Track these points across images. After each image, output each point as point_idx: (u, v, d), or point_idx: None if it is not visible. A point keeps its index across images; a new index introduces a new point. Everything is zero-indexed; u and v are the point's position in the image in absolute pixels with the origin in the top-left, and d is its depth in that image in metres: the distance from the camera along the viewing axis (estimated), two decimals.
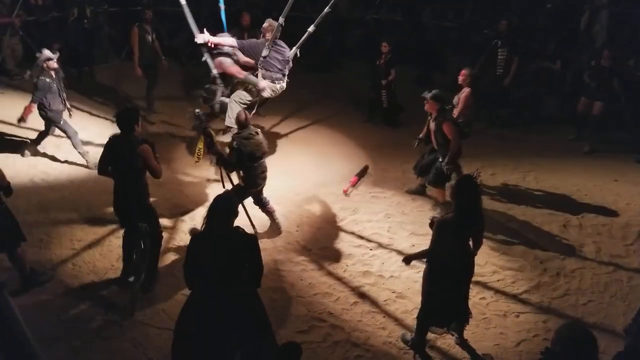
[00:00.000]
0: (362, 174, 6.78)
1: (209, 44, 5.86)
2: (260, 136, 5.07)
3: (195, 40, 5.87)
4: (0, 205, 4.12)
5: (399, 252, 5.30)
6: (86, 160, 6.49)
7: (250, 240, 3.34)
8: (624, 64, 8.01)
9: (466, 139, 5.96)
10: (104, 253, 5.01)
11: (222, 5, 6.32)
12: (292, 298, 4.66)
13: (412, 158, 6.54)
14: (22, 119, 6.22)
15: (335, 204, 6.18)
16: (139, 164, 4.15)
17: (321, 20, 5.93)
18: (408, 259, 4.06)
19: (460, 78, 6.09)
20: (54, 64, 6.10)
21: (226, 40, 5.95)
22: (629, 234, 5.74)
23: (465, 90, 6.01)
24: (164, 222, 5.23)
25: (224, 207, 3.29)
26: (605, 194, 6.53)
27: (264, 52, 5.87)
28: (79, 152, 6.45)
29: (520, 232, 5.76)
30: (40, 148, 6.70)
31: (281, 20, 5.87)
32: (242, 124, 5.01)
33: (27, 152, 6.57)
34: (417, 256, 4.07)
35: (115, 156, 4.22)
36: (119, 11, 10.01)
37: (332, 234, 5.61)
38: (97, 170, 4.39)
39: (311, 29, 5.93)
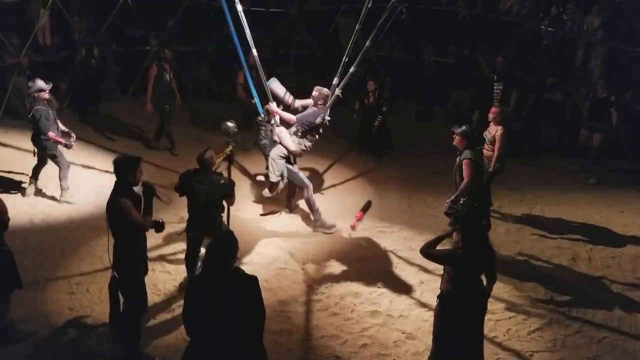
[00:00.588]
0: (365, 208, 6.72)
1: (274, 114, 6.12)
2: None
3: (268, 107, 6.11)
4: (2, 248, 4.02)
5: (408, 289, 5.17)
6: (60, 195, 6.41)
7: (252, 282, 3.18)
8: (621, 96, 8.12)
9: (501, 173, 6.11)
10: (103, 297, 4.77)
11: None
12: (298, 341, 4.49)
13: (418, 192, 6.53)
14: (67, 145, 6.16)
15: (341, 240, 6.08)
16: (121, 217, 3.84)
17: (359, 60, 6.04)
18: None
19: (491, 116, 6.17)
20: (45, 95, 6.13)
21: (288, 116, 6.16)
22: (638, 266, 5.64)
23: (499, 129, 6.06)
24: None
25: (225, 247, 3.16)
26: (613, 226, 6.47)
27: (318, 121, 6.01)
28: (60, 185, 6.38)
29: (530, 267, 5.66)
30: (42, 187, 6.64)
31: (338, 91, 6.03)
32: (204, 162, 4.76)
33: (27, 191, 6.51)
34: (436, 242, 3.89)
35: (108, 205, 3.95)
36: (127, 51, 10.14)
37: (339, 271, 5.49)
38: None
39: (352, 69, 5.96)
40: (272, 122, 6.21)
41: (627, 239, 6.15)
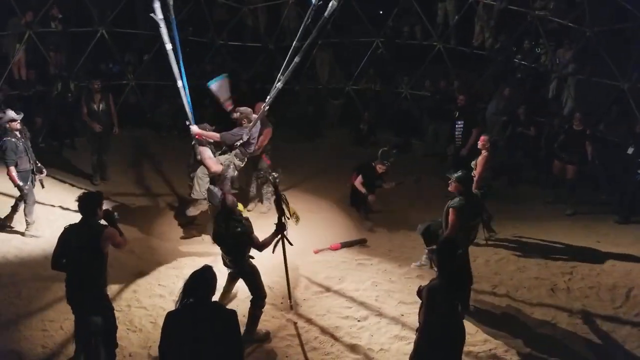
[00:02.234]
0: (353, 244, 6.76)
1: (197, 136, 6.42)
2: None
3: (190, 128, 6.39)
4: None
5: (388, 322, 5.19)
6: (26, 229, 6.39)
7: (231, 316, 3.22)
8: (595, 128, 8.45)
9: (487, 199, 6.31)
10: None
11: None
12: None
13: (397, 225, 6.60)
14: (19, 188, 6.18)
15: (321, 273, 6.10)
16: (103, 247, 3.99)
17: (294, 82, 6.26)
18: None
19: (480, 143, 6.57)
20: (17, 125, 6.18)
21: (210, 134, 6.46)
22: (616, 296, 5.73)
23: (483, 154, 6.45)
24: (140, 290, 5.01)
25: (204, 281, 3.21)
26: (590, 256, 6.58)
27: (244, 138, 6.35)
28: (25, 219, 6.38)
29: (510, 298, 5.73)
30: (16, 223, 6.56)
31: (266, 107, 6.32)
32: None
33: (6, 223, 6.46)
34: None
35: (71, 247, 4.01)
36: (103, 85, 10.27)
37: (319, 305, 5.50)
38: (50, 266, 4.17)
39: (279, 85, 6.07)
40: (193, 142, 6.50)
41: (605, 269, 6.24)
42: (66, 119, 9.32)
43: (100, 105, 8.02)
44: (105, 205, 4.41)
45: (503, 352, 4.88)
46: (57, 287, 5.38)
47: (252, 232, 4.84)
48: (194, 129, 6.37)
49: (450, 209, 5.09)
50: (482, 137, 6.60)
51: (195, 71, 10.81)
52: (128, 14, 10.41)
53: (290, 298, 5.40)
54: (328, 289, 5.78)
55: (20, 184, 6.16)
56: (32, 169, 6.31)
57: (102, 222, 4.19)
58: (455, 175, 5.22)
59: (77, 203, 4.12)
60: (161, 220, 7.42)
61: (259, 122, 6.47)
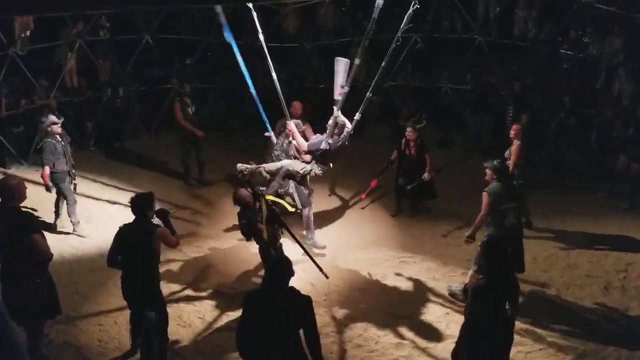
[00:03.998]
0: (382, 172, 7.06)
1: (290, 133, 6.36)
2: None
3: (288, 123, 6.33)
4: (45, 275, 4.20)
5: (433, 320, 5.14)
6: (74, 229, 6.70)
7: (306, 302, 3.40)
8: None
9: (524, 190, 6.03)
10: None
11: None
12: None
13: (441, 221, 6.52)
14: (46, 186, 6.50)
15: (363, 271, 6.09)
16: (156, 247, 4.17)
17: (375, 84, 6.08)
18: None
19: (512, 133, 6.57)
20: (57, 129, 6.50)
21: (300, 142, 6.31)
22: None
23: (516, 143, 6.44)
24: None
25: (283, 266, 3.42)
26: None
27: (323, 146, 6.03)
28: (71, 221, 6.68)
29: (560, 297, 5.55)
30: (66, 223, 6.85)
31: (357, 116, 6.04)
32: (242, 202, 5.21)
33: (56, 224, 6.79)
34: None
35: (127, 245, 4.17)
36: (149, 90, 10.65)
37: (362, 302, 5.47)
38: (106, 264, 4.34)
39: (357, 117, 6.03)
40: (290, 139, 6.38)
41: None
42: (116, 123, 9.70)
43: (192, 109, 8.28)
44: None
45: (555, 352, 4.74)
46: (112, 284, 5.64)
47: (256, 224, 5.14)
48: (291, 125, 6.22)
49: (483, 194, 5.17)
50: (514, 127, 6.61)
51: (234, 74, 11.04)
52: (171, 21, 10.71)
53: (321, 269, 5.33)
54: (371, 287, 5.76)
55: (50, 184, 6.46)
56: (69, 171, 6.61)
57: (157, 220, 4.34)
58: (490, 163, 5.25)
59: (129, 204, 4.28)
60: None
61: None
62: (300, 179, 6.37)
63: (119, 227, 4.30)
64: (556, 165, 8.79)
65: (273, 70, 6.10)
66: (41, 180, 6.58)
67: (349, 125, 6.08)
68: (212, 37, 10.61)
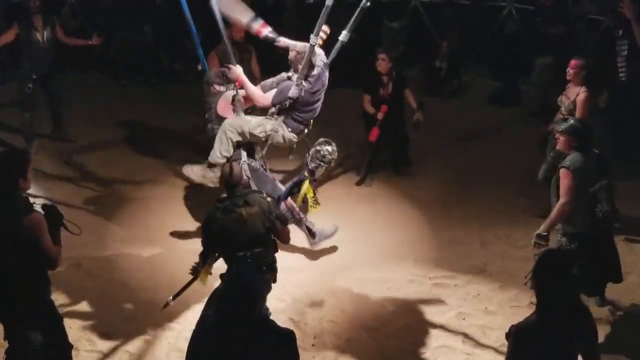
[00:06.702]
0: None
1: (237, 84, 4.72)
2: (255, 208, 3.54)
3: (228, 73, 4.70)
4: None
5: None
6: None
7: (289, 339, 2.65)
8: None
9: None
10: None
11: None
12: None
13: (493, 222, 5.09)
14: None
15: (374, 297, 4.48)
16: (30, 238, 3.08)
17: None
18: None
19: (571, 72, 5.14)
20: None
21: (254, 93, 4.74)
22: None
23: (582, 93, 5.05)
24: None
25: (248, 289, 2.59)
26: None
27: (292, 94, 4.48)
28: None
29: None
30: None
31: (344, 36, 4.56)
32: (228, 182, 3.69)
33: None
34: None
35: None
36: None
37: (370, 350, 3.99)
38: None
39: (343, 37, 4.56)
40: (209, 89, 4.91)
41: None
42: None
43: (45, 34, 6.16)
44: None
45: None
46: None
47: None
48: (237, 70, 4.58)
49: (560, 171, 4.15)
50: (573, 62, 5.09)
51: None
52: None
53: None
54: (386, 324, 4.22)
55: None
56: None
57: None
58: (564, 126, 4.28)
59: None
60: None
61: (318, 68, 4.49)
62: (251, 148, 4.76)
63: None
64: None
65: None
66: None
67: (322, 55, 4.49)
68: None
